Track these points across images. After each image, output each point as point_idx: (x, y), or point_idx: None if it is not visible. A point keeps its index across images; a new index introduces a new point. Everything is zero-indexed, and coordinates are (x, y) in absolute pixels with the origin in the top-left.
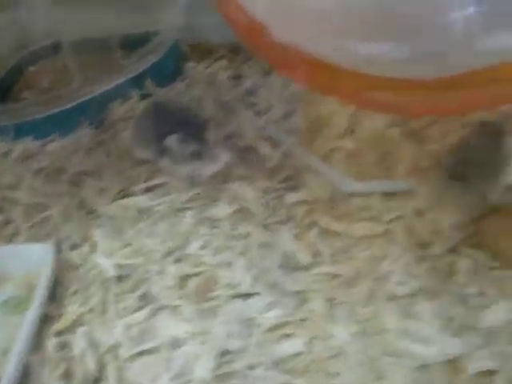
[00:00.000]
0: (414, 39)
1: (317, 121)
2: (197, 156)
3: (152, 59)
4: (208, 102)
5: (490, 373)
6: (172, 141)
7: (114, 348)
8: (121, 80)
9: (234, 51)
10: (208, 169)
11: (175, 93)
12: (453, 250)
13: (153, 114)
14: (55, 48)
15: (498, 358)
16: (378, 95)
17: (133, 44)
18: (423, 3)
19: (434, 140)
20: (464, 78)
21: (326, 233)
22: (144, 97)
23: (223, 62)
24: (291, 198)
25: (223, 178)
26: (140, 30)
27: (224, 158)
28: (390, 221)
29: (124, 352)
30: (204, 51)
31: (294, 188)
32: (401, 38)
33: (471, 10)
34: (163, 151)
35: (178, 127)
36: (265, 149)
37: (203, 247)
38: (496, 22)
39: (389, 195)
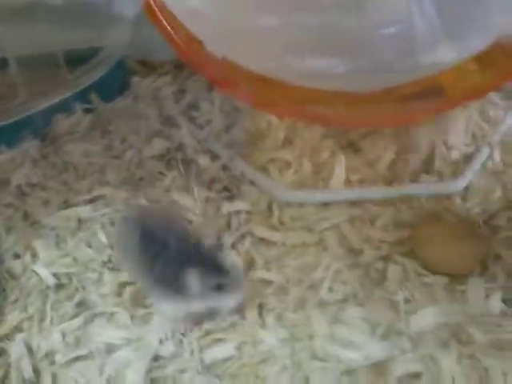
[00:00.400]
0: (356, 53)
1: (255, 133)
2: (220, 288)
3: (97, 74)
4: (152, 116)
5: (415, 375)
6: (193, 276)
7: (50, 354)
8: (66, 94)
9: (179, 67)
10: (231, 301)
11: (120, 107)
12: (384, 258)
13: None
14: (1, 63)
15: (423, 361)
16: (316, 109)
17: (78, 59)
18: (366, 18)
19: (369, 151)
20: (401, 89)
21: (260, 241)
22: (89, 111)
23: (167, 78)
24: (228, 207)
25: (165, 188)
26: (86, 45)
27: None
28: (324, 230)
29: (60, 358)
30: (149, 67)
31: (230, 198)
32: (343, 52)
33: (413, 24)
34: (180, 288)
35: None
36: (204, 161)
37: None
38: (437, 37)
39: (324, 205)
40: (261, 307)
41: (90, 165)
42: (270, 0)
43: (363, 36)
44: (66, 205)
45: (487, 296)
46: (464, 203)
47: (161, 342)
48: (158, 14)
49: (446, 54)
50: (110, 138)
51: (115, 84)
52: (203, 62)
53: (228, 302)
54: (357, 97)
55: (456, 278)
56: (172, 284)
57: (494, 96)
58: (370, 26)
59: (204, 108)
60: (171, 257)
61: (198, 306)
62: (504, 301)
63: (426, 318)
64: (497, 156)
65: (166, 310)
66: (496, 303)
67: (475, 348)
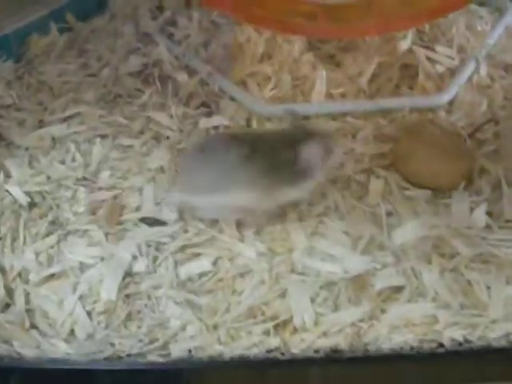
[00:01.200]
0: None
1: (234, 48)
2: None
3: None
4: (129, 33)
5: (397, 289)
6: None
7: (24, 273)
8: (41, 13)
9: None
10: None
11: (96, 26)
12: (365, 171)
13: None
14: None
15: (405, 274)
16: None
17: None
18: None
19: (351, 65)
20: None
21: None
22: (64, 30)
23: None
24: (206, 123)
25: (142, 107)
26: None
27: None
28: None
29: (32, 277)
30: None
31: (209, 114)
32: None
33: None
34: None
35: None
36: (182, 77)
37: (114, 173)
38: None
39: (304, 119)
40: (238, 223)
41: (66, 84)
42: None
43: None
44: (41, 125)
45: (472, 209)
46: (448, 117)
47: (135, 258)
48: None
49: None
50: (86, 56)
51: (91, 3)
52: None
53: None
54: (337, 9)
55: (439, 191)
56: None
57: (480, 10)
58: None
59: (182, 24)
60: None
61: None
62: (489, 214)
63: (408, 231)
64: (483, 70)
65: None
66: (481, 216)
67: (458, 261)
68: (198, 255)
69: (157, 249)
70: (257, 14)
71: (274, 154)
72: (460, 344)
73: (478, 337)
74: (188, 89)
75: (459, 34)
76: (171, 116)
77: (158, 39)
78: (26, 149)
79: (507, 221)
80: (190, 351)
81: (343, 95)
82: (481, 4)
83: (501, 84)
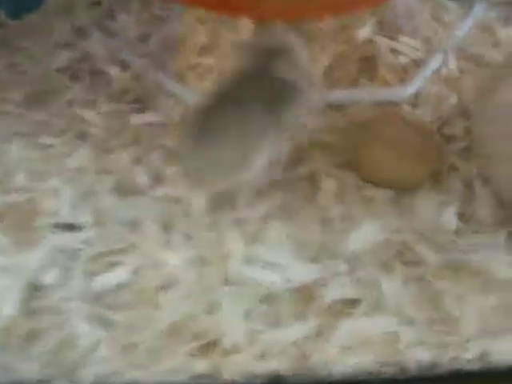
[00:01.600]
0: None
1: (174, 40)
2: None
3: None
4: (63, 28)
5: (351, 302)
6: None
7: None
8: None
9: None
10: None
11: (30, 22)
12: (317, 169)
13: None
14: None
15: (361, 285)
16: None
17: None
18: None
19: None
20: None
21: (171, 155)
22: None
23: None
24: (137, 119)
25: (69, 105)
26: None
27: None
28: None
29: None
30: None
31: (141, 110)
32: None
33: None
34: None
35: None
36: (114, 71)
37: (30, 175)
38: None
39: None
40: (166, 227)
41: None
42: None
43: None
44: None
45: (440, 210)
46: (414, 111)
47: (44, 267)
48: None
49: None
50: (17, 55)
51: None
52: None
53: None
54: None
55: (404, 191)
56: None
57: (447, 3)
58: None
59: (120, 17)
60: None
61: None
62: (460, 216)
63: (365, 235)
64: (452, 63)
65: None
66: (450, 218)
67: (424, 269)
68: (115, 264)
69: (70, 257)
70: None
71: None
72: (427, 367)
73: (448, 358)
74: (120, 84)
75: (425, 24)
76: (99, 113)
77: (91, 33)
78: None
79: (480, 223)
80: (102, 377)
81: None
82: None
83: (472, 77)
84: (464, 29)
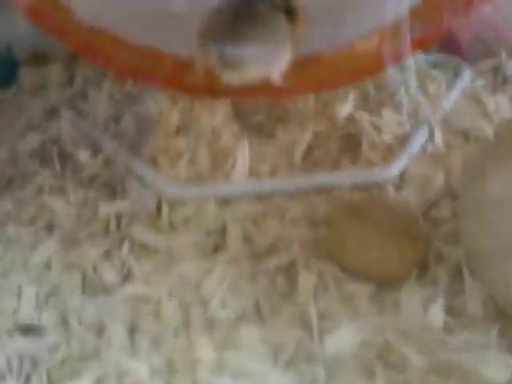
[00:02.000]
0: None
1: (146, 121)
2: None
3: None
4: (34, 108)
5: None
6: None
7: None
8: None
9: (74, 57)
10: None
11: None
12: (294, 262)
13: None
14: None
15: None
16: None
17: None
18: None
19: (282, 134)
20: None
21: (142, 248)
22: None
23: (58, 67)
24: (106, 208)
25: (37, 192)
26: None
27: None
28: (223, 230)
29: None
30: (41, 58)
31: (111, 197)
32: None
33: None
34: None
35: None
36: (84, 155)
37: None
38: None
39: (224, 202)
40: (133, 330)
41: None
42: None
43: None
44: None
45: (426, 305)
46: (398, 193)
47: (2, 376)
48: None
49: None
50: None
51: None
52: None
53: None
54: None
55: (386, 284)
56: None
57: (433, 72)
58: None
59: (92, 97)
60: None
61: None
62: (448, 310)
63: (345, 336)
64: (438, 137)
65: None
66: (437, 314)
67: (410, 373)
68: (78, 372)
69: (32, 364)
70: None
71: None
72: None
73: None
74: (91, 169)
75: (408, 96)
76: (68, 201)
77: (62, 113)
78: None
79: (470, 318)
80: None
81: (272, 172)
82: (434, 66)
83: (460, 154)
84: (450, 99)
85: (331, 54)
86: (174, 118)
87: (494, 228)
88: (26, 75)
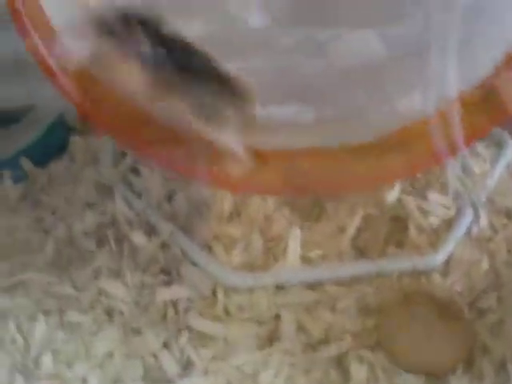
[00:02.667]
0: (322, 99)
1: (200, 203)
2: None
3: (30, 136)
4: (89, 182)
5: None
6: None
7: None
8: None
9: None
10: None
11: (54, 172)
12: (347, 353)
13: None
14: None
15: None
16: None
17: (7, 119)
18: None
19: (330, 219)
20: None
21: (200, 337)
22: (19, 178)
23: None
24: (165, 294)
25: (95, 274)
26: (16, 104)
27: None
28: (277, 318)
29: None
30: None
31: (169, 283)
32: (307, 98)
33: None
34: None
35: None
36: (140, 238)
37: (56, 358)
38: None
39: (277, 288)
40: None
41: (15, 242)
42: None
43: (329, 80)
44: None
45: None
46: (444, 280)
47: None
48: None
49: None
50: (41, 209)
51: (51, 146)
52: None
53: None
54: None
55: (435, 376)
56: None
57: (476, 146)
58: (336, 70)
59: (144, 173)
60: None
61: None
62: None
63: None
64: (483, 219)
65: None
66: None
67: None
68: None
69: None
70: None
71: None
72: None
73: None
74: (147, 252)
75: (454, 177)
76: (127, 285)
77: (116, 191)
78: None
79: None
80: None
81: (323, 256)
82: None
83: (504, 235)
84: (494, 177)
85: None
86: (227, 203)
87: None
88: (78, 145)
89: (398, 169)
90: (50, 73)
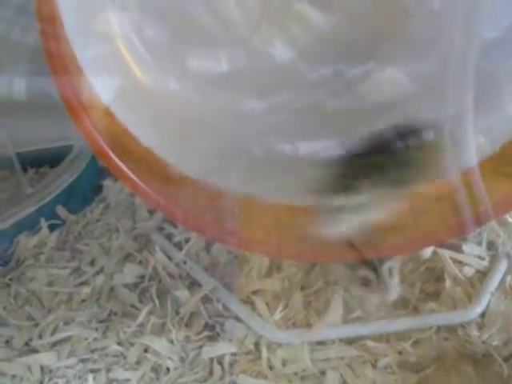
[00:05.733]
0: (351, 134)
1: (238, 255)
2: None
3: (66, 181)
4: (126, 230)
5: None
6: None
7: None
8: (30, 210)
9: None
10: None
11: (90, 219)
12: None
13: None
14: None
15: None
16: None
17: (43, 162)
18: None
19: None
20: None
21: None
22: (55, 226)
23: None
24: (210, 351)
25: (139, 329)
26: (52, 145)
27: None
28: (321, 374)
29: None
30: None
31: (213, 338)
32: (336, 134)
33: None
34: None
35: None
36: (182, 292)
37: None
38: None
39: (320, 344)
40: None
41: (56, 295)
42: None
43: (358, 116)
44: (29, 347)
45: None
46: (480, 334)
47: None
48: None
49: None
50: (78, 258)
51: (85, 190)
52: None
53: None
54: None
55: None
56: None
57: None
58: (365, 107)
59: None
60: None
61: None
62: None
63: None
64: None
65: None
66: None
67: None
68: None
69: None
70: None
71: None
72: None
73: None
74: (189, 307)
75: (488, 227)
76: (171, 341)
77: (155, 242)
78: (13, 376)
79: None
80: None
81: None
82: None
83: None
84: None
85: None
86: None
87: None
88: (112, 190)
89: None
90: (73, 113)
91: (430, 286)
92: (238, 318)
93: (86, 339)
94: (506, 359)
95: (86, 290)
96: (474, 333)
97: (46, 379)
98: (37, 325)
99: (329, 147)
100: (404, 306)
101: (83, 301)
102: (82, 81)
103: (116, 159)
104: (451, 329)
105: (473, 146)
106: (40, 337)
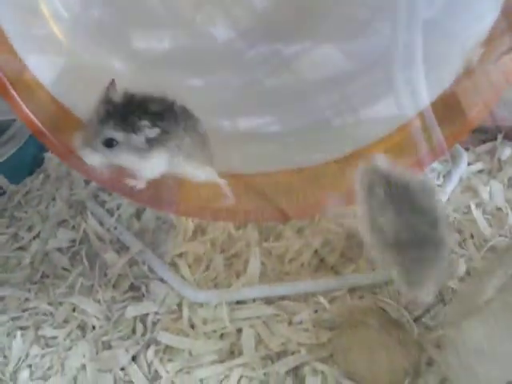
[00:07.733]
0: (290, 110)
1: (166, 221)
2: None
3: (6, 152)
4: (62, 199)
5: None
6: None
7: None
8: None
9: None
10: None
11: (30, 189)
12: (302, 366)
13: None
14: None
15: None
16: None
17: None
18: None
19: (291, 238)
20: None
21: (166, 351)
22: None
23: None
24: (133, 310)
25: (69, 290)
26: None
27: None
28: (238, 332)
29: None
30: None
31: (138, 299)
32: (275, 110)
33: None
34: None
35: None
36: (110, 255)
37: (34, 372)
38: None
39: (240, 303)
40: None
41: None
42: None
43: (296, 92)
44: None
45: None
46: (394, 296)
47: None
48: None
49: (390, 110)
50: (17, 225)
51: (26, 162)
52: None
53: None
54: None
55: None
56: None
57: None
58: (302, 83)
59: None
60: None
61: None
62: None
63: None
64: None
65: None
66: None
67: None
68: None
69: None
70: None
71: None
72: None
73: None
74: (117, 269)
75: None
76: (98, 301)
77: (89, 208)
78: None
79: None
80: None
81: (286, 273)
82: None
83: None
84: (447, 192)
85: None
86: (191, 221)
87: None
88: (52, 162)
89: None
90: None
91: (351, 251)
92: (162, 280)
93: (19, 299)
94: (415, 319)
95: (22, 254)
96: (389, 294)
97: None
98: None
99: (268, 123)
100: (325, 268)
101: (19, 264)
102: (15, 60)
103: (55, 140)
104: (366, 289)
105: None
106: None
